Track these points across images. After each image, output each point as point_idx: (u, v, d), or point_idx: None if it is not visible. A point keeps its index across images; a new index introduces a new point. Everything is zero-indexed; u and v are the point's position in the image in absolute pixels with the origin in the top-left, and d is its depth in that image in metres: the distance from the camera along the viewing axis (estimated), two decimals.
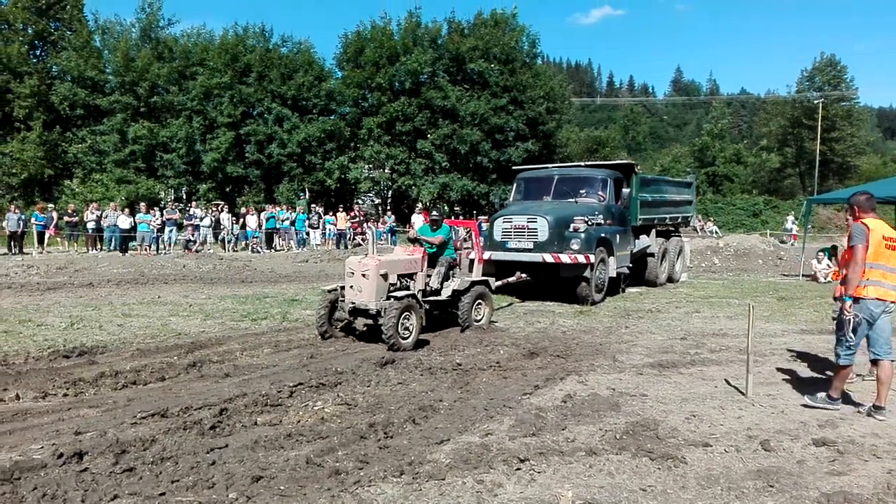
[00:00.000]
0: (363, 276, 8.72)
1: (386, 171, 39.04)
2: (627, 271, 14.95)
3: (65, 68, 34.54)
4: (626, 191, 14.59)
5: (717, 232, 39.18)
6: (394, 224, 32.55)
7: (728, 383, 6.93)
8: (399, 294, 8.57)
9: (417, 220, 28.72)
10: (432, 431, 5.27)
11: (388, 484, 4.21)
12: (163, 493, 4.00)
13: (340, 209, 31.37)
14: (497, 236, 13.51)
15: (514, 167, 18.84)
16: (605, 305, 13.11)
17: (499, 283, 11.87)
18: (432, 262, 9.81)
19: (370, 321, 8.88)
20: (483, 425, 5.42)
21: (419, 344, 8.67)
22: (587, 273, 12.72)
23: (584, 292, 12.88)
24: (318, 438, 5.08)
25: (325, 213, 30.45)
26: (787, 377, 7.34)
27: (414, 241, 10.32)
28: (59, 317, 10.37)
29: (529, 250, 12.98)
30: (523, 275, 12.53)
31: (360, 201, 41.13)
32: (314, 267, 20.43)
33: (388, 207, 40.05)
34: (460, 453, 4.72)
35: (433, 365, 7.59)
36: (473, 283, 9.97)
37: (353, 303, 8.82)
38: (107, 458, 4.50)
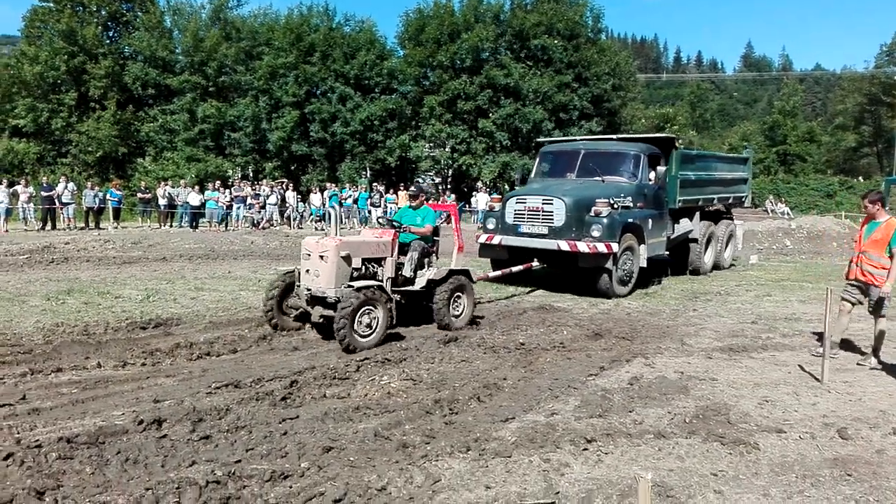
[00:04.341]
0: (321, 258, 7.59)
1: (447, 149, 39.01)
2: (668, 258, 13.77)
3: (137, 49, 35.55)
4: (661, 168, 12.77)
5: (788, 213, 37.84)
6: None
7: (802, 369, 6.73)
8: (359, 284, 7.35)
9: (482, 198, 28.69)
10: (497, 409, 5.29)
11: (455, 459, 4.25)
12: (238, 461, 4.13)
13: (401, 188, 31.56)
14: (509, 219, 12.18)
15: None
16: (672, 287, 12.81)
17: (497, 273, 11.19)
18: (403, 246, 8.59)
19: (329, 312, 7.53)
20: (548, 405, 5.41)
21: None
22: (608, 264, 11.22)
23: (605, 286, 11.41)
24: (385, 412, 5.17)
25: (387, 192, 30.69)
26: (864, 364, 7.06)
27: (394, 225, 8.75)
28: (136, 289, 10.77)
29: (544, 236, 11.62)
30: (535, 263, 11.51)
31: (420, 180, 41.25)
32: None
33: (449, 186, 40.05)
34: (526, 432, 4.73)
35: (496, 344, 7.61)
36: (451, 273, 8.57)
37: (308, 289, 7.74)
38: (184, 425, 4.67)
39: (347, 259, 7.65)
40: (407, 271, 8.39)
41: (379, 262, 8.15)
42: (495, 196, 14.59)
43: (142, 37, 35.10)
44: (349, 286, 7.31)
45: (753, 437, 4.73)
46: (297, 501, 3.69)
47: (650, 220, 12.39)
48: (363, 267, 7.92)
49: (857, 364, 7.08)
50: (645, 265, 12.25)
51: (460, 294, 8.66)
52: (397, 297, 8.13)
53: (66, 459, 4.03)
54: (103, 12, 36.25)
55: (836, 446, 4.67)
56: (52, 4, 34.77)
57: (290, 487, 3.80)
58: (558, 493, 3.85)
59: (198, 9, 37.80)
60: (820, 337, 7.25)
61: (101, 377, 5.97)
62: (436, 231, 9.00)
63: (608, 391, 5.79)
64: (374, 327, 7.32)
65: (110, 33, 37.38)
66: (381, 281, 7.95)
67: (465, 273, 8.82)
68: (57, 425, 4.65)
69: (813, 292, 12.03)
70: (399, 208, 10.45)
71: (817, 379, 6.27)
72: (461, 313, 8.67)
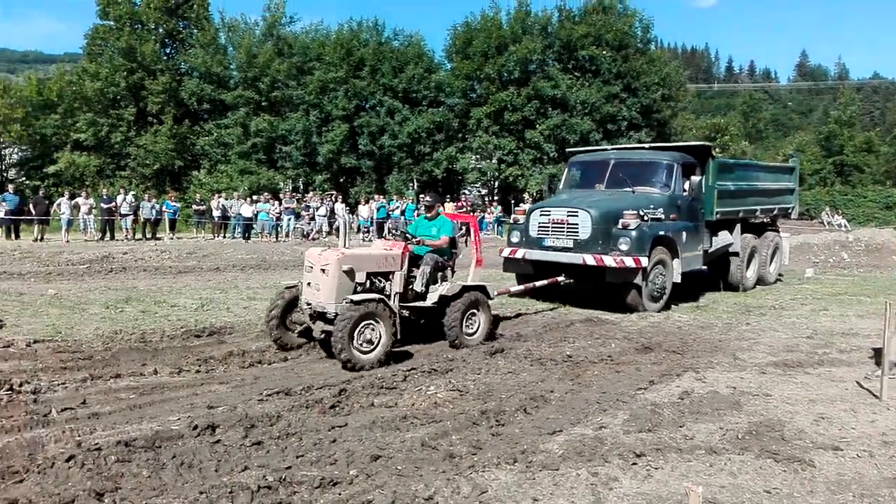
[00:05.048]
0: (322, 271, 7.21)
1: (493, 161, 39.04)
2: (706, 272, 13.26)
3: (193, 65, 36.60)
4: (695, 178, 11.96)
5: (845, 225, 36.75)
6: (500, 215, 32.54)
7: (860, 385, 6.51)
8: (358, 297, 6.93)
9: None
10: (544, 421, 5.26)
11: (502, 471, 4.24)
12: (289, 467, 4.21)
13: (448, 199, 31.68)
14: (533, 232, 11.69)
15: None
16: (724, 301, 12.51)
17: (520, 287, 10.82)
18: (417, 259, 8.15)
19: (329, 327, 7.01)
20: (596, 418, 5.35)
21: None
22: (638, 279, 10.63)
23: (635, 302, 10.83)
24: (431, 422, 5.19)
25: None
26: None
27: (407, 237, 8.37)
28: (191, 298, 11.07)
29: (569, 249, 11.08)
30: (561, 278, 11.07)
31: (467, 192, 41.34)
32: None
33: (495, 198, 40.05)
34: (573, 445, 4.69)
35: (543, 356, 7.56)
36: (466, 289, 8.12)
37: (308, 303, 7.39)
38: (237, 431, 4.78)
39: (350, 273, 7.23)
40: (418, 286, 7.96)
41: (387, 276, 7.70)
42: (519, 208, 14.07)
43: (197, 53, 36.14)
44: (349, 300, 6.90)
45: (808, 454, 4.61)
46: None
47: (684, 233, 11.72)
48: (368, 281, 7.48)
49: None
50: (679, 280, 11.58)
51: (475, 311, 8.23)
52: (405, 312, 7.85)
53: (124, 462, 4.17)
54: (161, 30, 37.43)
55: None
56: (112, 23, 36.07)
57: (339, 494, 3.85)
58: None
59: (251, 26, 38.79)
60: (877, 353, 7.02)
61: (158, 383, 6.16)
62: (453, 243, 8.69)
63: (658, 405, 5.70)
64: (375, 343, 6.92)
65: (167, 50, 38.52)
66: (388, 295, 7.55)
67: (481, 289, 8.37)
68: (115, 429, 4.81)
69: (871, 307, 11.63)
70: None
71: (876, 395, 6.06)
72: (475, 331, 8.25)
